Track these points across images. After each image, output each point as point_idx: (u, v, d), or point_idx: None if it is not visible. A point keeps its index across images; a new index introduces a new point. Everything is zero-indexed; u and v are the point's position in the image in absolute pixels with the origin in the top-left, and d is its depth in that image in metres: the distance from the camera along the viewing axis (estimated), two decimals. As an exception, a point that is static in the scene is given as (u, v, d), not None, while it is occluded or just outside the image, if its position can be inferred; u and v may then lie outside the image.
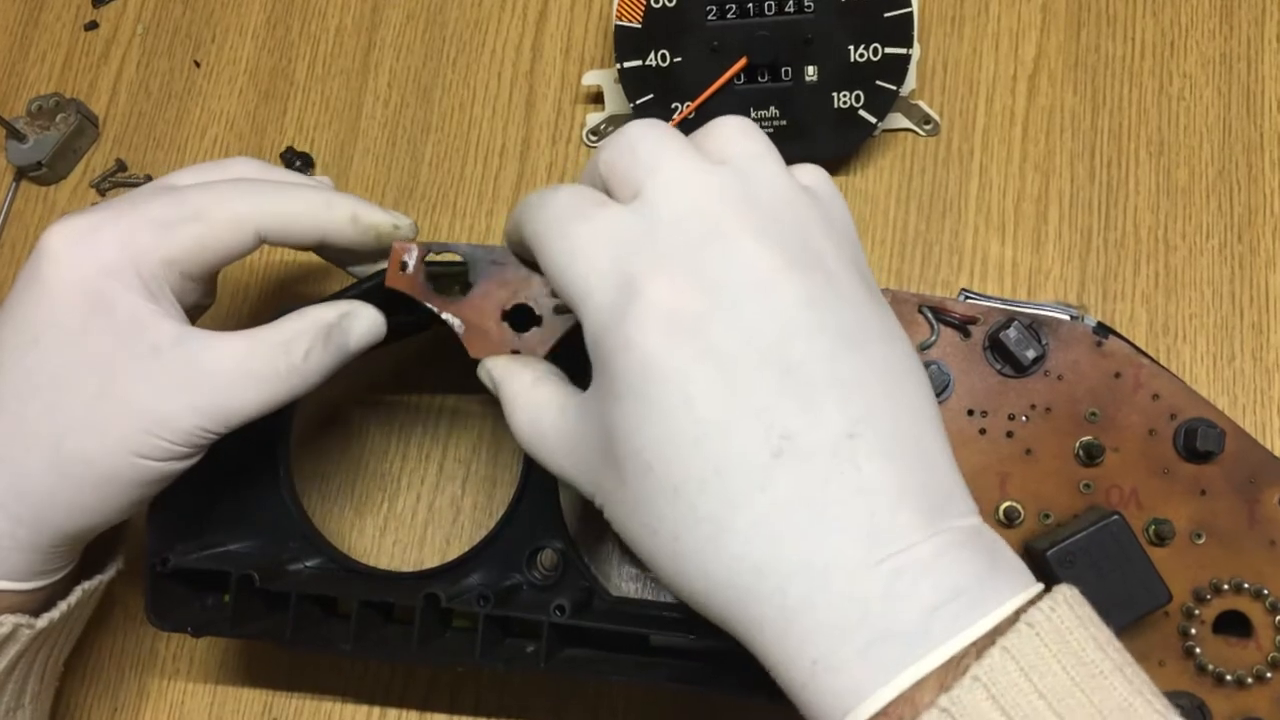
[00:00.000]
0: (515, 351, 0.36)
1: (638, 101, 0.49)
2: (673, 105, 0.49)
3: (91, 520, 0.36)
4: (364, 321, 0.38)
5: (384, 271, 0.38)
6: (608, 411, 0.29)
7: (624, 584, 0.47)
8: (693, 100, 0.49)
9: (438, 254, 0.37)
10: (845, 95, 0.48)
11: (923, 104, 0.51)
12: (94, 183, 0.56)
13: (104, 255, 0.35)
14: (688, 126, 0.49)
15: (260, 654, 0.49)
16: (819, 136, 0.49)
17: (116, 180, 0.56)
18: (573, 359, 0.33)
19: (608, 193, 0.31)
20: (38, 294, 0.35)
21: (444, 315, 0.37)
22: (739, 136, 0.31)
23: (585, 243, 0.29)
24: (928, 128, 0.51)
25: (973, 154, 0.51)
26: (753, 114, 0.49)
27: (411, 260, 0.37)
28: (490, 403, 0.51)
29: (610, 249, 0.29)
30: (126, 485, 0.35)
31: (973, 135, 0.51)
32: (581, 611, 0.38)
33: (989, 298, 0.37)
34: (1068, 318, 0.36)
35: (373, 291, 0.39)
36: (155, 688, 0.50)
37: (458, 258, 0.37)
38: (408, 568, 0.49)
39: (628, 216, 0.29)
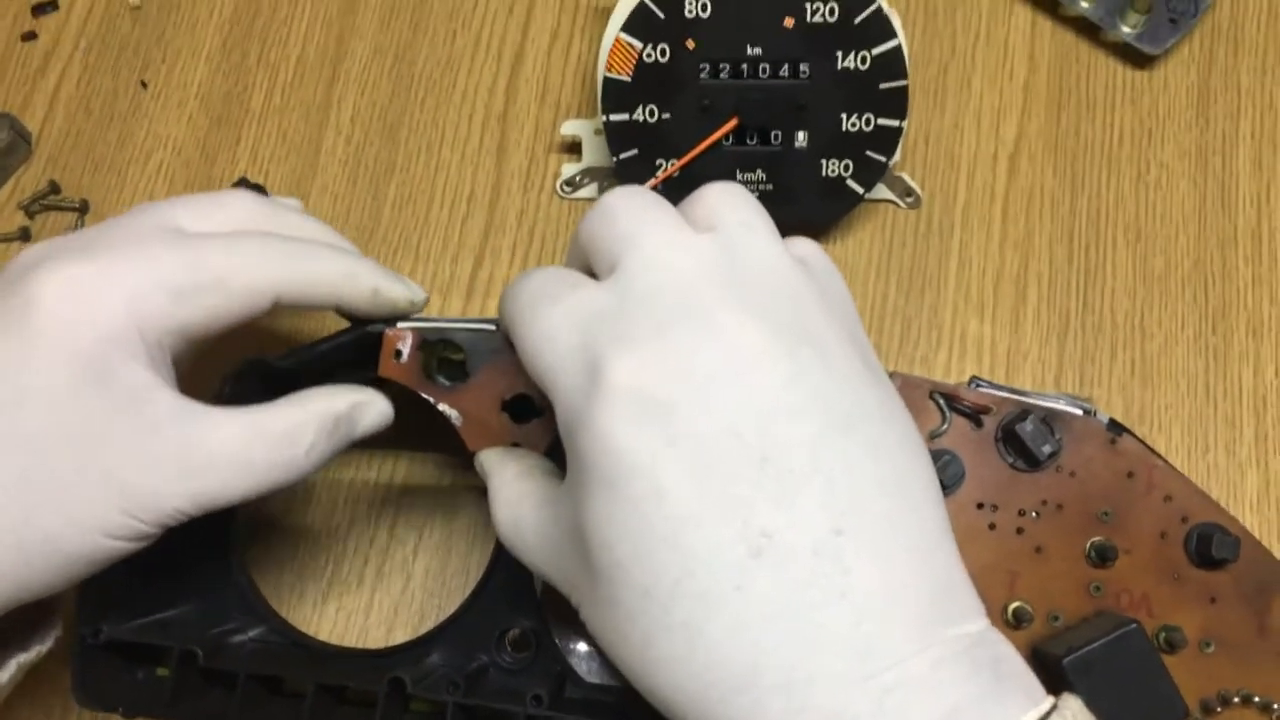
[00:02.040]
0: (515, 444, 0.34)
1: (621, 156, 0.47)
2: (657, 162, 0.47)
3: (33, 593, 0.32)
4: (374, 413, 0.35)
5: (362, 326, 0.36)
6: (578, 504, 0.27)
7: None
8: (679, 158, 0.47)
9: (433, 339, 0.35)
10: (834, 164, 0.47)
11: (905, 176, 0.50)
12: (22, 204, 0.52)
13: (109, 320, 0.31)
14: (672, 184, 0.47)
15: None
16: (804, 203, 0.48)
17: (48, 203, 0.51)
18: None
19: (590, 270, 0.29)
20: (24, 349, 0.30)
21: (441, 407, 0.34)
22: (728, 203, 0.29)
23: (554, 324, 0.28)
24: (909, 200, 0.51)
25: (953, 230, 0.50)
26: (739, 176, 0.48)
27: (406, 349, 0.35)
28: (447, 464, 0.48)
29: (579, 329, 0.27)
30: (86, 565, 0.32)
31: (953, 210, 0.51)
32: (557, 702, 0.35)
33: (999, 386, 0.36)
34: (1080, 412, 0.35)
35: (352, 344, 0.36)
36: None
37: (455, 345, 0.35)
38: (353, 638, 0.46)
39: (600, 294, 0.27)
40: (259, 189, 0.51)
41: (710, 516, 0.24)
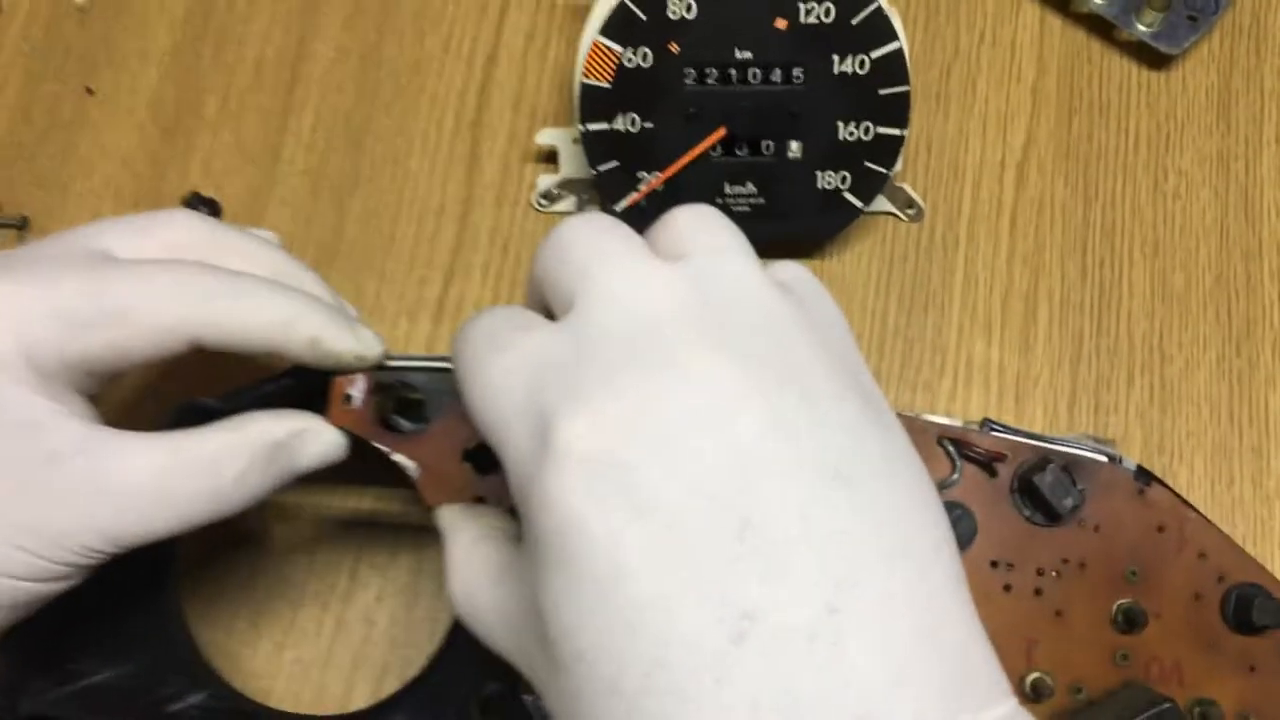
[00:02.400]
0: (479, 498, 0.31)
1: (601, 168, 0.44)
2: (639, 174, 0.44)
3: None
4: (320, 445, 0.32)
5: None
6: (534, 582, 0.23)
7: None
8: (663, 170, 0.44)
9: (387, 383, 0.32)
10: (830, 175, 0.44)
11: (906, 187, 0.47)
12: (-43, 222, 0.48)
13: None
14: (657, 199, 0.44)
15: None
16: (799, 218, 0.45)
17: (-15, 221, 0.48)
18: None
19: (549, 310, 0.26)
20: None
21: (396, 458, 0.31)
22: (697, 226, 0.26)
23: (500, 376, 0.24)
24: (910, 212, 0.47)
25: (958, 244, 0.47)
26: (728, 189, 0.44)
27: (358, 395, 0.32)
28: (414, 499, 0.45)
29: (527, 381, 0.23)
30: None
31: (958, 224, 0.47)
32: (530, 777, 0.32)
33: (1015, 431, 0.32)
34: (1105, 459, 0.32)
35: (301, 387, 0.33)
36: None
37: (411, 385, 0.32)
38: (310, 694, 0.42)
39: (552, 339, 0.24)
40: (212, 204, 0.47)
41: (682, 598, 0.21)
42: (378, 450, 0.32)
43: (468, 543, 0.28)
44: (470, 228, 0.48)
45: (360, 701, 0.42)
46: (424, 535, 0.44)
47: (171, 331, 0.30)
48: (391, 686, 0.42)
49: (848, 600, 0.21)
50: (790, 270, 0.27)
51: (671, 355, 0.22)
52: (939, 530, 0.23)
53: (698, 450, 0.21)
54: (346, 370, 0.33)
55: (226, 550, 0.44)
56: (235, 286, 0.31)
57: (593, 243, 0.25)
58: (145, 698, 0.35)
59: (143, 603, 0.36)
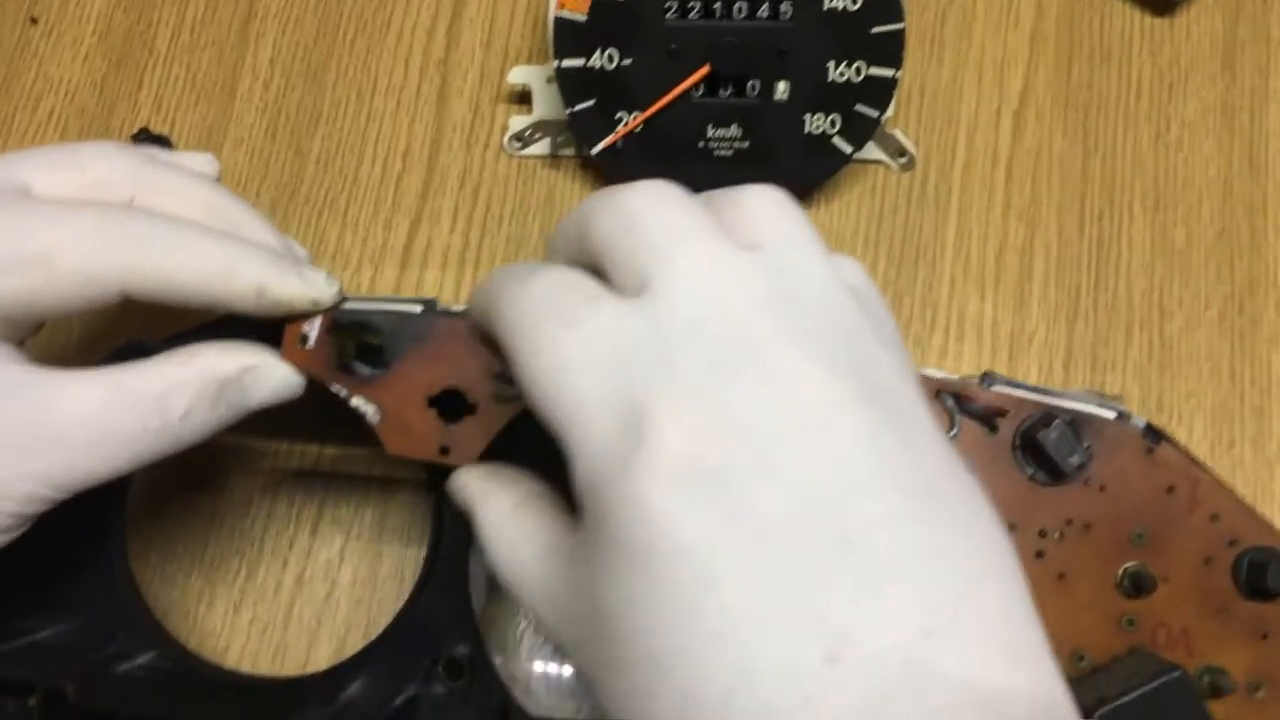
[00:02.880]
0: (444, 449, 0.29)
1: (576, 108, 0.41)
2: (618, 115, 0.41)
3: None
4: (273, 381, 0.30)
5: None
6: (600, 579, 0.21)
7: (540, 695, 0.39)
8: (642, 111, 0.41)
9: (346, 323, 0.29)
10: (819, 118, 0.41)
11: (898, 134, 0.45)
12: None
13: None
14: (635, 142, 0.42)
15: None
16: (785, 164, 0.42)
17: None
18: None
19: (597, 271, 0.24)
20: None
21: (354, 401, 0.29)
22: (775, 216, 0.24)
23: (576, 358, 0.22)
24: (902, 161, 0.45)
25: (950, 195, 0.45)
26: (711, 132, 0.42)
27: (313, 334, 0.29)
28: (381, 459, 0.42)
29: (607, 367, 0.22)
30: None
31: (951, 174, 0.45)
32: (496, 744, 0.30)
33: (1018, 384, 0.30)
34: (1113, 415, 0.30)
35: (253, 327, 0.30)
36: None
37: (370, 325, 0.30)
38: (269, 655, 0.40)
39: (630, 319, 0.22)
40: (163, 141, 0.45)
41: (777, 612, 0.19)
42: (335, 395, 0.30)
43: (508, 510, 0.26)
44: (438, 171, 0.46)
45: (323, 662, 0.40)
46: (389, 490, 0.42)
47: (98, 281, 0.27)
48: (355, 647, 0.40)
49: (944, 623, 0.19)
50: (852, 269, 0.25)
51: (767, 357, 0.21)
52: (1011, 548, 0.22)
53: (799, 462, 0.20)
54: (300, 317, 0.30)
55: (179, 505, 0.42)
56: (172, 233, 0.28)
57: (668, 218, 0.23)
58: (91, 655, 0.33)
59: (87, 557, 0.34)
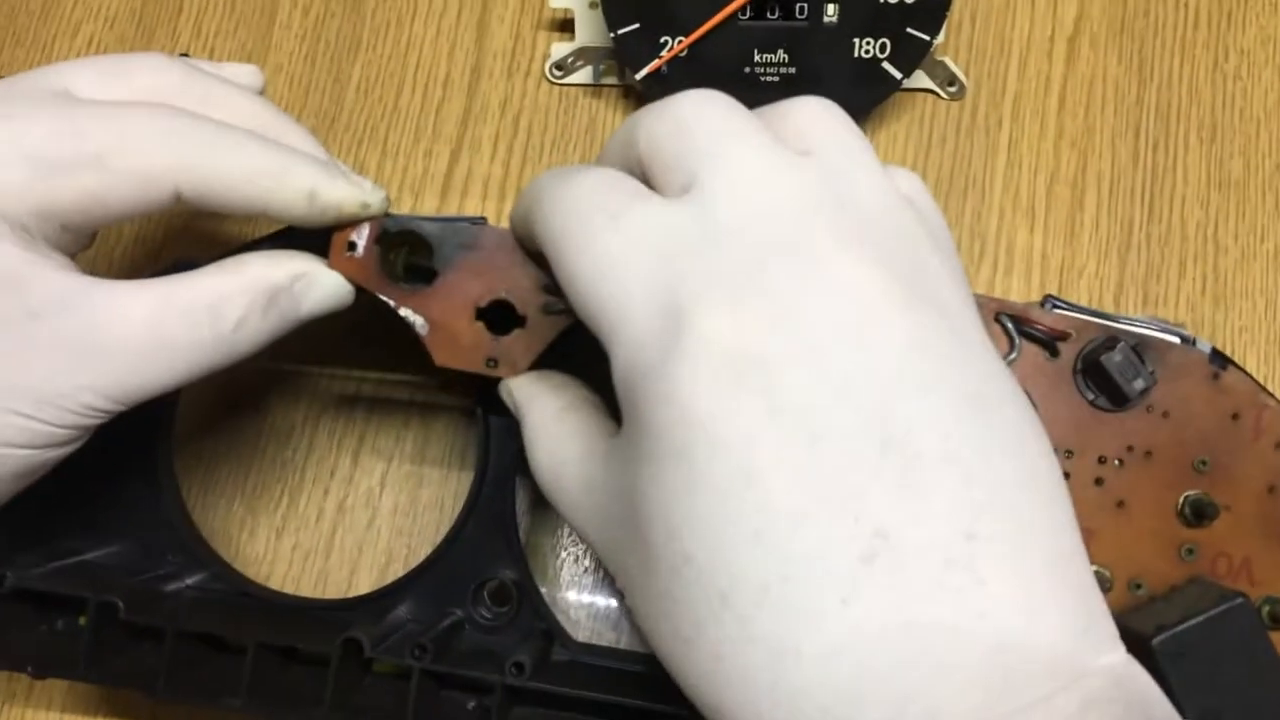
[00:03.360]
0: (491, 361, 0.29)
1: (619, 31, 0.41)
2: (662, 39, 0.41)
3: None
4: (322, 290, 0.29)
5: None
6: (639, 474, 0.21)
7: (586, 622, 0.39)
8: (687, 35, 0.40)
9: (394, 230, 0.29)
10: (869, 43, 0.41)
11: (948, 61, 0.44)
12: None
13: None
14: (680, 67, 0.41)
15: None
16: (833, 90, 0.40)
17: (-42, 79, 0.45)
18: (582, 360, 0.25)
19: (645, 180, 0.24)
20: None
21: (402, 311, 0.29)
22: (825, 124, 0.23)
23: (616, 251, 0.22)
24: (951, 89, 0.44)
25: (1001, 124, 0.44)
26: (757, 57, 0.41)
27: (362, 241, 0.29)
28: (420, 381, 0.42)
29: (651, 262, 0.21)
30: None
31: (1002, 102, 0.44)
32: (541, 667, 0.30)
33: (1080, 308, 0.30)
34: (1178, 340, 0.29)
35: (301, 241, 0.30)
36: (-16, 713, 0.40)
37: (419, 233, 0.29)
38: (311, 582, 0.40)
39: (676, 216, 0.22)
40: (203, 67, 0.44)
41: (814, 510, 0.19)
42: (380, 313, 0.29)
43: (555, 412, 0.26)
44: (479, 99, 0.45)
45: (365, 590, 0.40)
46: (430, 417, 0.42)
47: (154, 180, 0.27)
48: (396, 575, 0.40)
49: (986, 528, 0.19)
50: (907, 179, 0.25)
51: (817, 255, 0.21)
52: (1055, 464, 0.21)
53: (846, 358, 0.20)
54: (347, 225, 0.30)
55: (221, 434, 0.42)
56: (224, 135, 0.28)
57: (718, 120, 0.23)
58: (139, 575, 0.33)
59: (136, 482, 0.34)
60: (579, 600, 0.40)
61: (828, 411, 0.19)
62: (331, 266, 0.29)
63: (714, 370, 0.20)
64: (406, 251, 0.30)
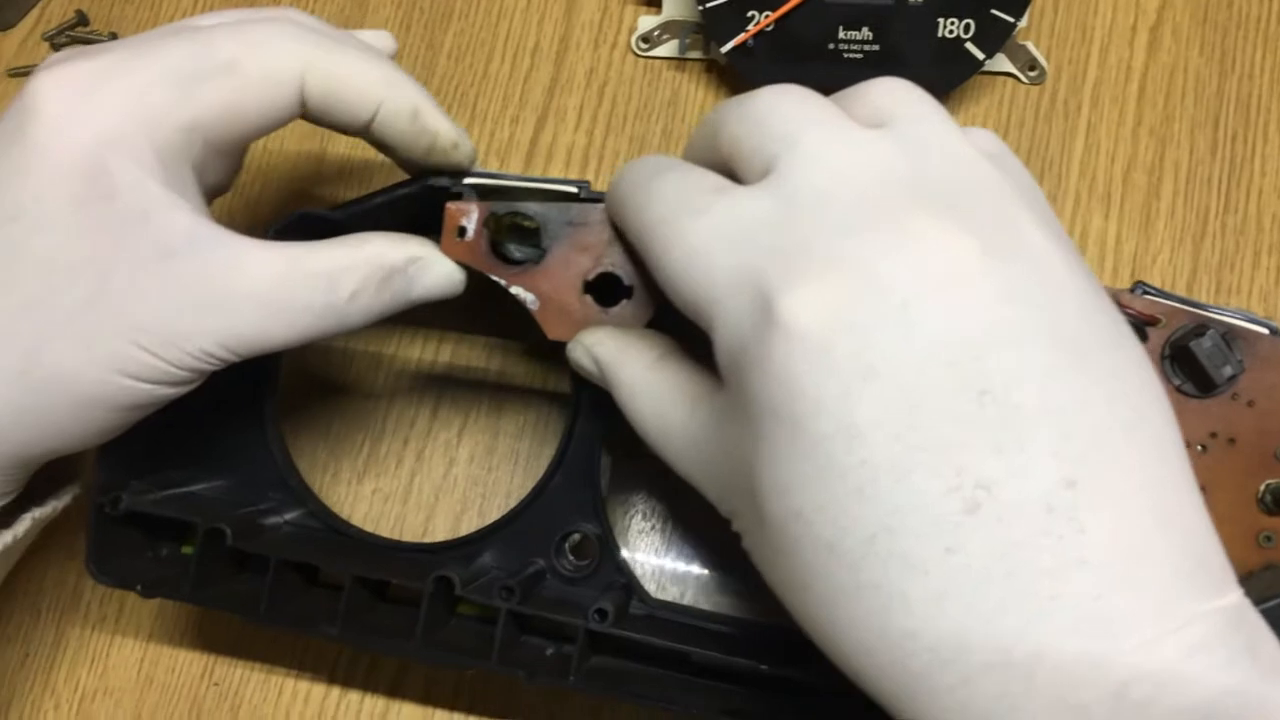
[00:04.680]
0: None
1: (708, 5, 0.42)
2: (750, 13, 0.42)
3: (61, 443, 0.29)
4: (436, 276, 0.31)
5: (426, 179, 0.31)
6: (746, 438, 0.22)
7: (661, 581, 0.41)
8: (774, 10, 0.41)
9: (501, 213, 0.30)
10: (953, 23, 0.41)
11: (1030, 45, 0.44)
12: (47, 35, 0.47)
13: (108, 118, 0.27)
14: (765, 41, 0.42)
15: (204, 609, 0.42)
16: (915, 68, 0.42)
17: (75, 35, 0.47)
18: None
19: (731, 176, 0.25)
20: (21, 160, 0.27)
21: (514, 290, 0.30)
22: (897, 97, 0.24)
23: (704, 243, 0.23)
24: (1032, 74, 0.44)
25: (1080, 110, 0.44)
26: (841, 34, 0.42)
27: (471, 225, 0.30)
28: (497, 345, 0.44)
29: (734, 246, 0.22)
30: (111, 410, 0.28)
31: (1082, 89, 0.45)
32: (621, 616, 0.31)
33: (1170, 295, 0.30)
34: (1267, 331, 0.29)
35: (413, 198, 0.32)
36: (75, 636, 0.43)
37: (528, 217, 0.30)
38: (389, 525, 0.42)
39: (756, 202, 0.23)
40: (302, 28, 0.46)
41: (916, 464, 0.20)
42: (479, 288, 0.31)
43: (650, 363, 0.27)
44: (566, 69, 0.46)
45: (440, 537, 0.42)
46: (505, 378, 0.43)
47: (282, 80, 0.29)
48: (470, 525, 0.42)
49: (1086, 475, 0.20)
50: (986, 138, 0.25)
51: (896, 219, 0.21)
52: (1167, 409, 0.22)
53: (934, 315, 0.20)
54: (441, 169, 0.32)
55: (308, 379, 0.44)
56: (340, 43, 0.30)
57: (795, 109, 0.24)
58: (240, 508, 0.35)
59: (243, 423, 0.36)
60: (645, 559, 0.41)
61: (921, 369, 0.20)
62: (443, 250, 0.31)
63: (807, 340, 0.21)
64: (515, 220, 0.31)
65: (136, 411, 0.29)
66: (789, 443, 0.21)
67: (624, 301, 0.30)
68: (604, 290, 0.30)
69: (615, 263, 0.30)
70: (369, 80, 0.30)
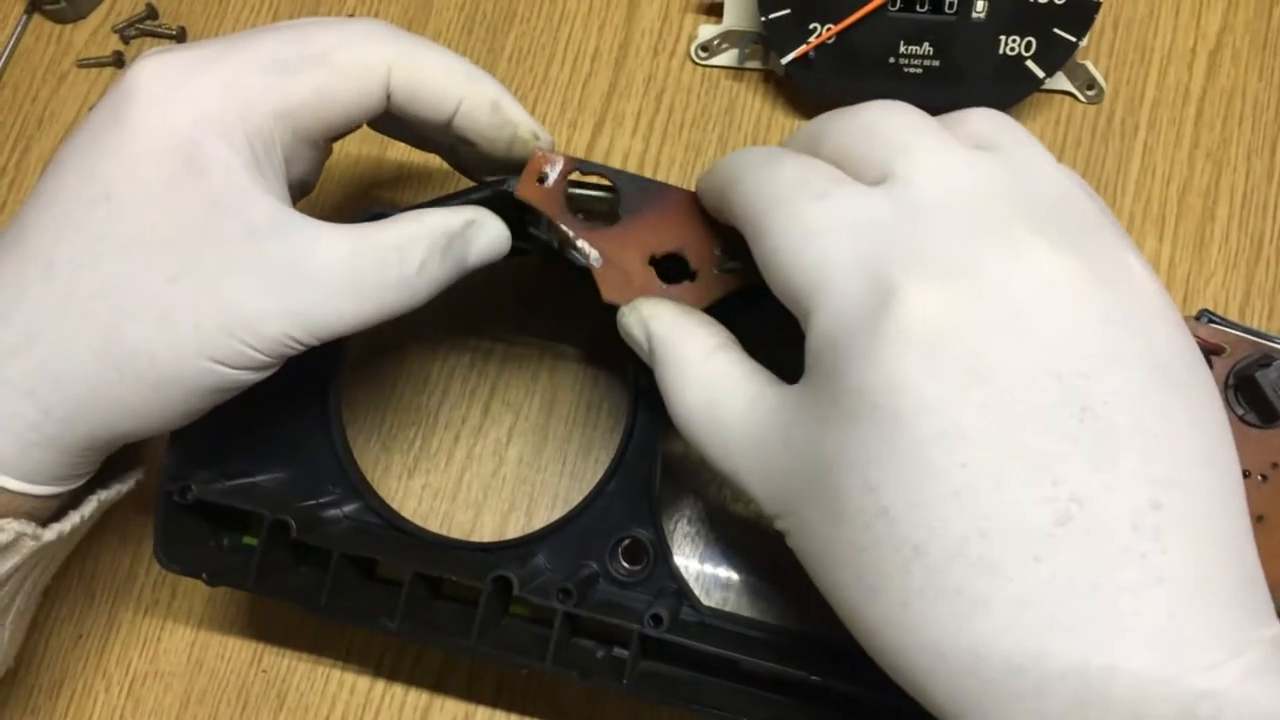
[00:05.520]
0: None
1: (770, 16, 0.42)
2: (811, 25, 0.42)
3: (138, 425, 0.30)
4: (489, 234, 0.32)
5: (496, 184, 0.32)
6: (831, 432, 0.22)
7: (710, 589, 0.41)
8: (837, 22, 0.42)
9: (586, 171, 0.31)
10: (1014, 41, 0.41)
11: (1089, 65, 0.44)
12: (117, 27, 0.48)
13: (204, 101, 0.28)
14: (827, 55, 0.42)
15: (254, 596, 0.43)
16: (974, 85, 0.42)
17: (144, 28, 0.47)
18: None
19: None
20: (116, 140, 0.28)
21: (579, 243, 0.30)
22: (1001, 124, 0.25)
23: (822, 226, 0.23)
24: (1090, 93, 0.45)
25: (1137, 131, 0.44)
26: (903, 48, 0.42)
27: (554, 172, 0.31)
28: (549, 348, 0.44)
29: (856, 237, 0.23)
30: (190, 393, 0.29)
31: (1139, 110, 0.45)
32: (673, 623, 0.32)
33: (1235, 325, 0.31)
34: (1329, 364, 0.30)
35: (483, 205, 0.32)
36: (128, 619, 0.44)
37: (605, 186, 0.31)
38: (438, 521, 0.43)
39: (878, 200, 0.23)
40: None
41: (1014, 472, 0.20)
42: (545, 273, 0.31)
43: (705, 352, 0.27)
44: (625, 74, 0.47)
45: (488, 536, 0.42)
46: (557, 379, 0.44)
47: (371, 72, 0.30)
48: (516, 525, 0.43)
49: (1171, 498, 0.20)
50: (1067, 171, 0.26)
51: (1013, 235, 0.22)
52: (1231, 439, 0.23)
53: (1047, 328, 0.21)
54: (525, 151, 0.32)
55: (363, 374, 0.44)
56: (423, 41, 0.31)
57: (905, 122, 0.25)
58: (302, 501, 0.35)
59: (306, 417, 0.37)
60: (690, 564, 0.41)
61: (1030, 381, 0.21)
62: (520, 189, 0.31)
63: (923, 338, 0.21)
64: (597, 182, 0.32)
65: (215, 395, 0.30)
66: (887, 439, 0.21)
67: (686, 282, 0.30)
68: (669, 268, 0.31)
69: (685, 248, 0.30)
70: (452, 75, 0.31)
